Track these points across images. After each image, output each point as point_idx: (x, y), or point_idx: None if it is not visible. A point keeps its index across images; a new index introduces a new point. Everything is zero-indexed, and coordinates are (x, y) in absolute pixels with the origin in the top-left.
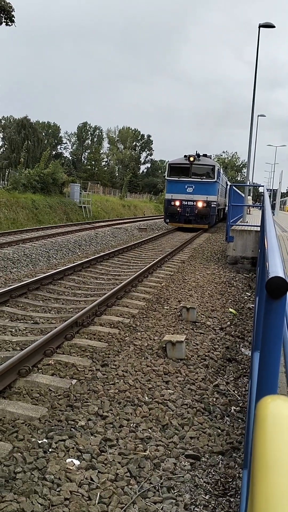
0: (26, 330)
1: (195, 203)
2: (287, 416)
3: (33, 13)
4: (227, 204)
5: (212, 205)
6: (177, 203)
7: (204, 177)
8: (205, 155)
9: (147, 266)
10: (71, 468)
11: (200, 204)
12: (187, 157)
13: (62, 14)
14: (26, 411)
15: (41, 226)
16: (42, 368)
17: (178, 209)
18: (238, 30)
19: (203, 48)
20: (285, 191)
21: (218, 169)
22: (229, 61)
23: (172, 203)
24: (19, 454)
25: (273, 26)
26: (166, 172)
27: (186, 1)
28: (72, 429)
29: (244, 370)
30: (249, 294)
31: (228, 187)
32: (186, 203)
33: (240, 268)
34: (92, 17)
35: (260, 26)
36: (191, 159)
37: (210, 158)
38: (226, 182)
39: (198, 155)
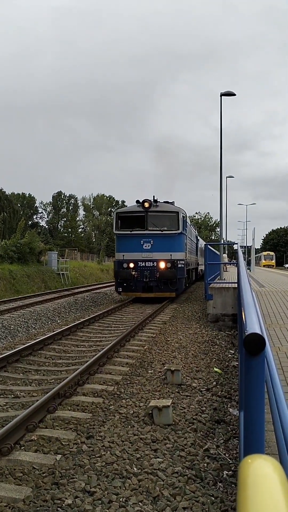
0: (7, 405)
1: (155, 263)
2: (268, 475)
3: (4, 92)
4: (199, 263)
5: (179, 265)
6: (131, 265)
7: (166, 228)
8: (167, 202)
9: (129, 330)
10: None
11: (162, 265)
12: (140, 203)
13: (31, 91)
14: (9, 493)
15: (19, 296)
16: (25, 444)
17: (133, 273)
18: (204, 99)
19: (172, 117)
20: (259, 247)
21: (183, 217)
22: (197, 128)
23: (125, 265)
24: None
25: (233, 94)
26: (114, 224)
27: (152, 76)
28: (58, 508)
29: (234, 431)
30: (233, 352)
31: (202, 244)
32: (144, 264)
33: (222, 326)
34: (60, 93)
35: (222, 94)
36: (146, 205)
37: (173, 204)
38: (196, 237)
39: (156, 200)
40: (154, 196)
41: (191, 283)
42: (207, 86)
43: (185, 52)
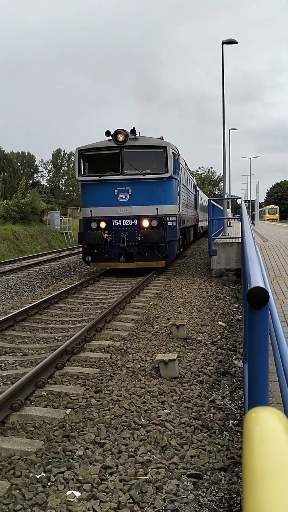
0: (16, 363)
1: (136, 221)
2: (273, 427)
3: None
4: (199, 219)
5: (169, 223)
6: (103, 224)
7: (149, 171)
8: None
9: (134, 287)
10: (72, 500)
11: (145, 223)
12: (113, 136)
13: (28, 45)
14: (22, 446)
15: (24, 256)
16: (35, 400)
17: (106, 235)
18: (206, 48)
19: (174, 67)
20: (263, 201)
21: (174, 154)
22: (200, 78)
23: (94, 224)
24: (18, 491)
25: (235, 42)
26: (76, 167)
27: (152, 25)
28: (70, 460)
29: (239, 383)
30: (237, 306)
31: (204, 199)
32: (120, 222)
33: (226, 281)
34: (59, 46)
35: (223, 42)
36: (120, 138)
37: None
38: (195, 186)
39: (134, 131)
40: (134, 128)
41: (189, 244)
42: (210, 34)
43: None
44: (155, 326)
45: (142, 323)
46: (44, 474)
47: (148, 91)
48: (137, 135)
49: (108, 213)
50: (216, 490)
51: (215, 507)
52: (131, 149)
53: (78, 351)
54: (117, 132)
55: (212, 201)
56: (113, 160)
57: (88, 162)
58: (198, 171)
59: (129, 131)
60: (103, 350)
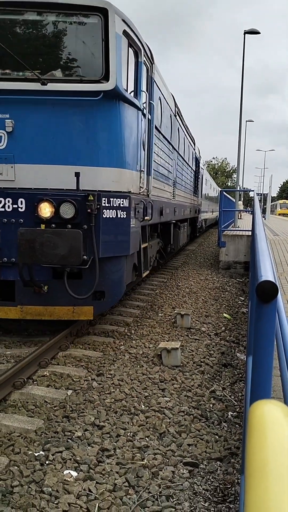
0: (20, 342)
1: (23, 203)
2: (278, 420)
3: None
4: (200, 209)
5: (108, 211)
6: None
7: (64, 73)
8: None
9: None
10: (68, 479)
11: (45, 209)
12: None
13: None
14: (22, 424)
15: None
16: (37, 379)
17: None
18: (230, 37)
19: (196, 56)
20: (275, 195)
21: (130, 37)
22: (221, 68)
23: None
24: (16, 467)
25: (258, 33)
26: None
27: (177, 11)
28: (68, 440)
29: (240, 375)
30: (243, 299)
31: (212, 185)
32: None
33: (233, 273)
34: None
35: (246, 32)
36: None
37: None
38: (196, 158)
39: None
40: None
41: (176, 250)
42: (235, 23)
43: None
44: (159, 314)
45: (147, 310)
46: (43, 453)
47: (169, 79)
48: None
49: None
50: (212, 480)
51: (209, 496)
52: (18, 14)
53: (83, 334)
54: None
55: (224, 192)
56: None
57: None
58: (212, 161)
59: None
60: (107, 335)
